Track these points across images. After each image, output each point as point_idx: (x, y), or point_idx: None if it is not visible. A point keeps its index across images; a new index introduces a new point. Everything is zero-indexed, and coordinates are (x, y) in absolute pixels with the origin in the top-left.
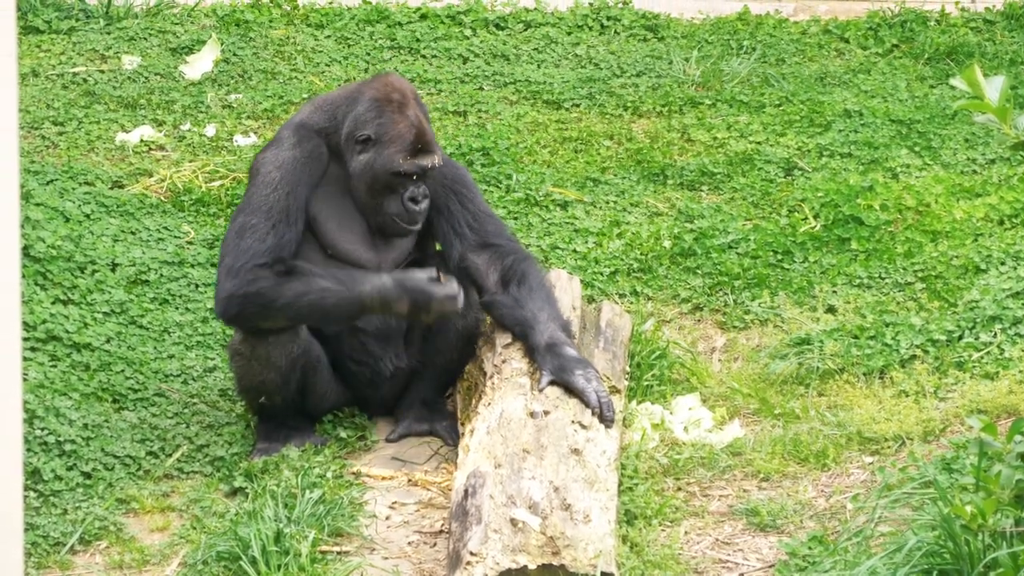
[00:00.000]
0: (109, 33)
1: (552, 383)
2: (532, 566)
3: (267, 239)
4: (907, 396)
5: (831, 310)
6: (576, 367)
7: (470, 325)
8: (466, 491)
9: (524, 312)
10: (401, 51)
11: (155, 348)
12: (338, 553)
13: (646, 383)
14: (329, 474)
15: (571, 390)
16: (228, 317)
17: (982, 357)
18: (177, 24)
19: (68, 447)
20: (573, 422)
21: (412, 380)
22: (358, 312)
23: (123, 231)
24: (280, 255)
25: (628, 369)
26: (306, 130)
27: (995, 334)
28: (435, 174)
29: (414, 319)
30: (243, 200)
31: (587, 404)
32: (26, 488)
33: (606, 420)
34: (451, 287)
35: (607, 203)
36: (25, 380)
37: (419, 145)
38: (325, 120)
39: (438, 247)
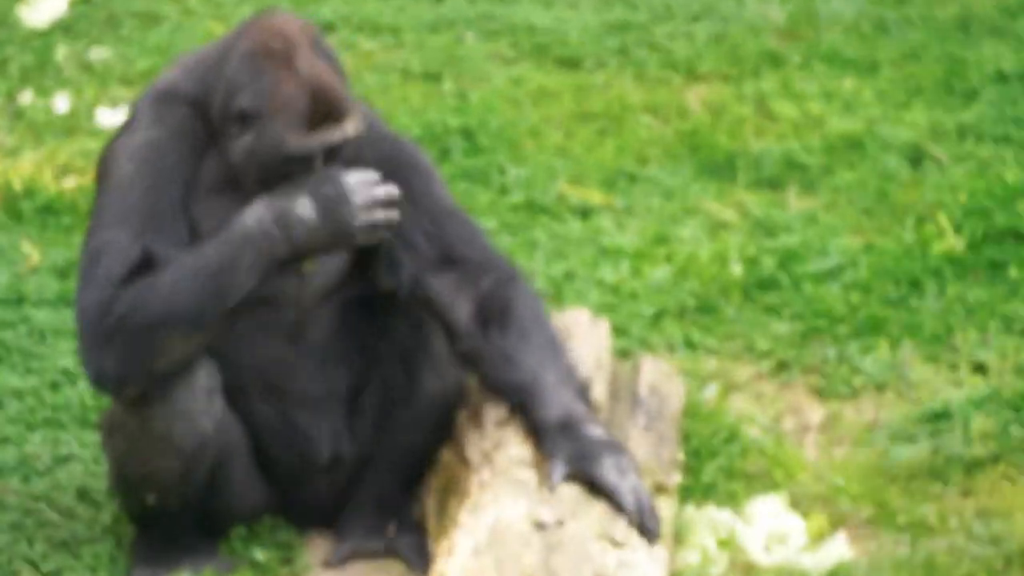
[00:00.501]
0: None
1: (570, 477)
2: None
3: (130, 255)
4: None
5: (980, 369)
6: (604, 453)
7: (448, 388)
8: None
9: (519, 373)
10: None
11: None
12: None
13: (708, 479)
14: None
15: (597, 487)
16: (112, 378)
17: None
18: None
19: None
20: (600, 537)
21: (361, 473)
22: (255, 264)
23: None
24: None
25: (681, 458)
26: (170, 100)
27: None
28: (364, 152)
29: (333, 250)
30: (92, 214)
31: (620, 508)
32: None
33: (648, 533)
34: (368, 174)
35: (648, 210)
36: None
37: (318, 111)
38: (195, 84)
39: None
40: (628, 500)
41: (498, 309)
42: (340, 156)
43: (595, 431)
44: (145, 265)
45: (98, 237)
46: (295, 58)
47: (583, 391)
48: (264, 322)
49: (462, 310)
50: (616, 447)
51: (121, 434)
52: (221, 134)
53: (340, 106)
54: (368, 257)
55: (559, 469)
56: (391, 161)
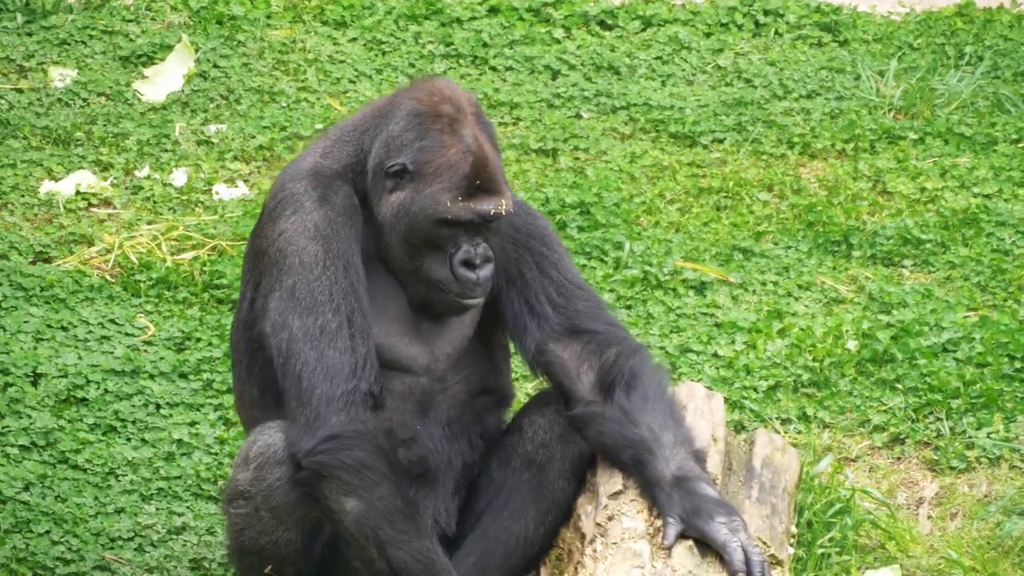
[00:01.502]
0: (30, 34)
1: (683, 536)
2: None
3: (356, 346)
4: None
5: None
6: (717, 512)
7: (574, 457)
8: None
9: (638, 430)
10: (461, 60)
11: (96, 499)
12: None
13: (822, 550)
14: None
15: (708, 543)
16: (324, 459)
17: None
18: (131, 21)
19: None
20: None
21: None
22: None
23: (49, 326)
24: (377, 368)
25: (795, 531)
26: (326, 177)
27: None
28: (502, 226)
29: None
30: (275, 295)
31: (729, 566)
32: None
33: None
34: None
35: (764, 285)
36: None
37: (478, 181)
38: (350, 155)
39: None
40: (736, 557)
41: (623, 377)
42: (492, 232)
43: (709, 490)
44: (370, 362)
45: (307, 319)
46: (462, 125)
47: (699, 456)
48: (394, 389)
49: (585, 378)
50: (728, 507)
51: (243, 504)
52: (371, 195)
53: (497, 179)
54: (492, 326)
55: (673, 526)
56: (523, 231)
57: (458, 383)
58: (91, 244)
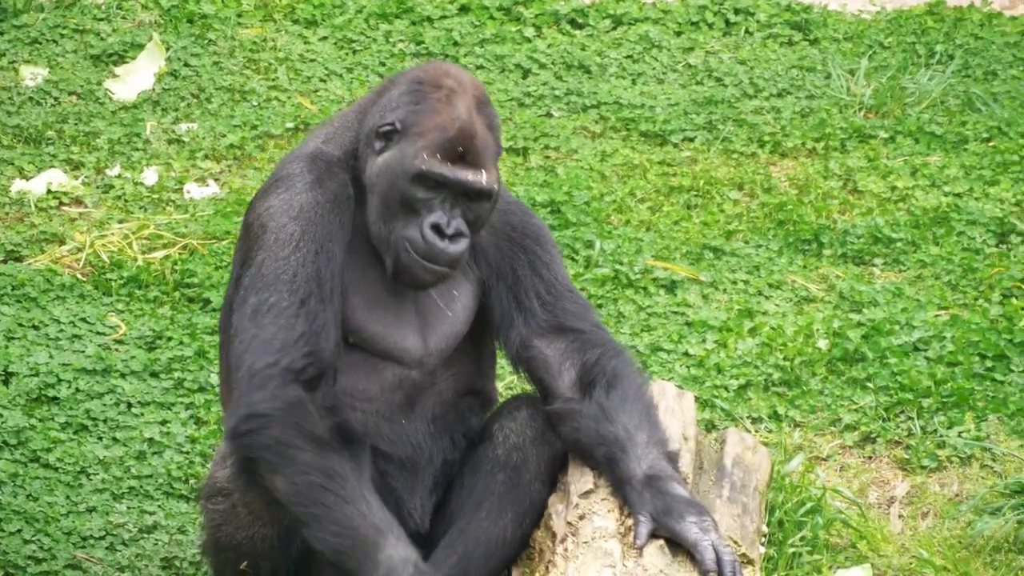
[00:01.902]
0: (1, 33)
1: (654, 534)
2: None
3: (296, 324)
4: None
5: None
6: (688, 512)
7: (549, 459)
8: None
9: (614, 428)
10: (432, 58)
11: (67, 498)
12: None
13: (793, 549)
14: None
15: (679, 543)
16: (245, 441)
17: None
18: (102, 20)
19: None
20: None
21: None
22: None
23: (20, 324)
24: (318, 348)
25: (766, 530)
26: (324, 162)
27: None
28: (495, 219)
29: None
30: (248, 270)
31: (700, 565)
32: None
33: None
34: None
35: (735, 284)
36: None
37: (461, 149)
38: (351, 141)
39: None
40: (708, 556)
41: (604, 376)
42: (470, 207)
43: (680, 490)
44: (312, 338)
45: (262, 295)
46: (459, 98)
47: (672, 457)
48: (385, 380)
49: (567, 375)
50: (699, 507)
51: (221, 500)
52: (363, 159)
53: (482, 156)
54: (482, 328)
55: (644, 524)
56: (518, 230)
57: (446, 380)
58: (62, 243)
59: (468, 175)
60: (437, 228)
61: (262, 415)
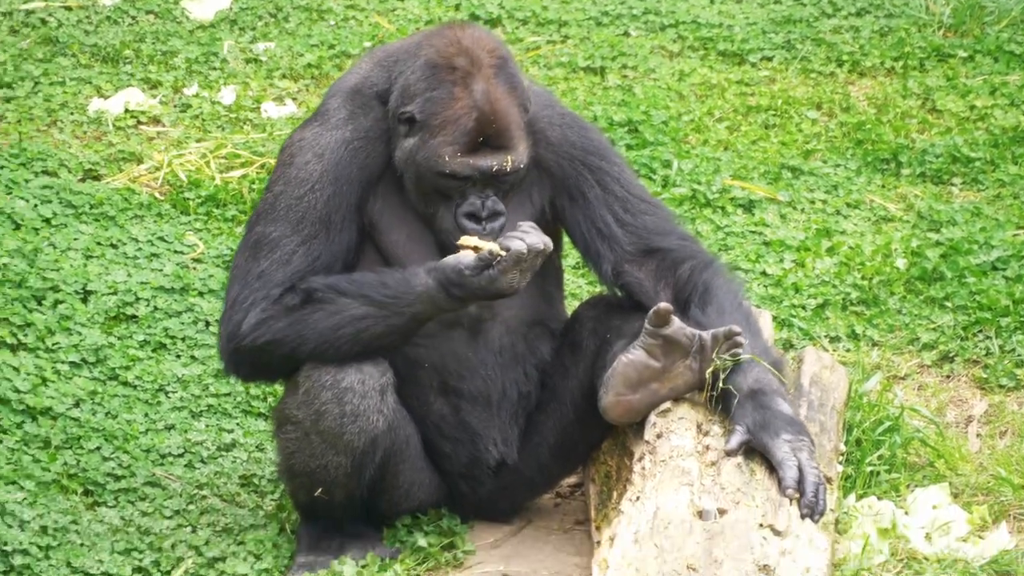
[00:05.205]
0: None
1: (745, 444)
2: None
3: (292, 260)
4: None
5: None
6: (785, 429)
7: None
8: None
9: None
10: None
11: (146, 416)
12: None
13: (870, 468)
14: None
15: (768, 458)
16: (239, 374)
17: None
18: None
19: (19, 560)
20: (762, 526)
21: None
22: (413, 331)
23: (99, 243)
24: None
25: (843, 449)
26: (363, 98)
27: None
28: (549, 134)
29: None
30: (264, 197)
31: (781, 482)
32: None
33: (812, 511)
34: (495, 256)
35: (812, 203)
36: None
37: (480, 137)
38: (385, 81)
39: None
40: (789, 475)
41: (696, 292)
42: (502, 184)
43: (783, 406)
44: (305, 275)
45: (265, 227)
46: (474, 79)
47: (778, 366)
48: (447, 320)
49: (663, 295)
50: (799, 426)
51: (292, 428)
52: (392, 131)
53: (505, 135)
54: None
55: (738, 435)
56: (579, 147)
57: (510, 310)
58: (140, 162)
59: (492, 162)
60: (472, 216)
61: (244, 348)
